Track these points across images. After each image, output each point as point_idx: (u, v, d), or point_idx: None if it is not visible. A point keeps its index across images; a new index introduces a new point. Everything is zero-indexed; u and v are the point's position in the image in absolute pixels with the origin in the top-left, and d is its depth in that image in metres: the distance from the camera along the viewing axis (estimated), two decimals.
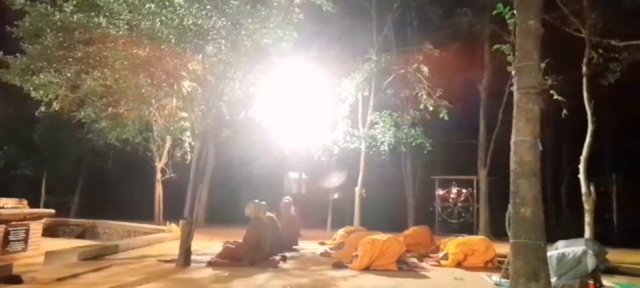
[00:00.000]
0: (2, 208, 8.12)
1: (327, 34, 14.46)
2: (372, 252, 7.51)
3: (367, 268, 7.43)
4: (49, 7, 7.78)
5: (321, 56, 13.07)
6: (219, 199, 19.57)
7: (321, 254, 9.37)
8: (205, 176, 17.04)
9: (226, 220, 17.34)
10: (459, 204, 17.96)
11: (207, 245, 10.08)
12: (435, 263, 8.43)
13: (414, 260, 8.51)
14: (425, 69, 13.69)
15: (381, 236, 8.02)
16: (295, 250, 10.03)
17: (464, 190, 18.02)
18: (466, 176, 17.84)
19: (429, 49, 13.81)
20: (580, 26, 10.78)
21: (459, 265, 8.15)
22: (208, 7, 7.52)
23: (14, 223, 7.99)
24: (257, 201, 8.43)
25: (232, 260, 7.60)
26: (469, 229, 16.50)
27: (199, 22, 7.55)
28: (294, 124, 12.58)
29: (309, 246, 10.72)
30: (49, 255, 7.31)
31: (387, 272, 7.29)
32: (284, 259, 8.23)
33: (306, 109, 12.42)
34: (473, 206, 17.53)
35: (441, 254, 8.64)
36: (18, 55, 8.48)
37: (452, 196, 18.13)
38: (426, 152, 14.70)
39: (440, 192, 18.33)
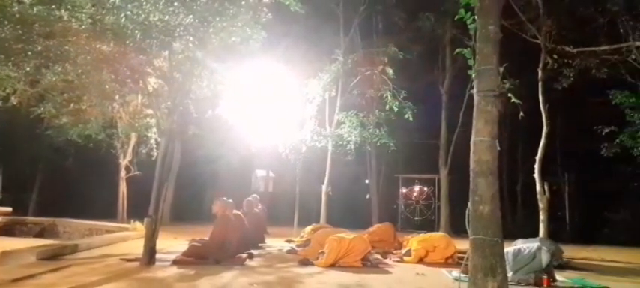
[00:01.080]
0: None
1: (295, 34, 14.54)
2: (339, 250, 7.66)
3: (333, 265, 7.58)
4: None
5: (288, 56, 13.15)
6: (185, 197, 19.31)
7: (288, 251, 9.45)
8: (171, 174, 16.82)
9: (192, 218, 17.15)
10: (421, 202, 18.48)
11: (173, 243, 9.97)
12: (398, 259, 8.67)
13: (378, 257, 8.73)
14: (390, 71, 13.98)
15: (347, 234, 8.18)
16: (261, 247, 10.06)
17: (426, 189, 18.53)
18: (428, 175, 18.36)
19: (393, 51, 14.12)
20: (536, 33, 11.31)
21: (420, 261, 8.41)
22: (175, 3, 7.44)
23: None
24: (224, 199, 8.42)
25: (198, 258, 7.57)
26: (431, 226, 17.01)
27: (166, 19, 7.45)
28: (261, 122, 12.59)
29: (275, 243, 10.77)
30: (5, 255, 7.07)
31: (352, 269, 7.45)
32: (250, 256, 8.27)
33: (273, 108, 12.46)
34: (434, 204, 18.06)
35: (403, 251, 8.89)
36: None
37: (414, 194, 18.63)
38: (390, 152, 15.02)
39: (403, 190, 18.78)
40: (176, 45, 7.89)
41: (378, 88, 14.38)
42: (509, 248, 6.87)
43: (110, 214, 14.67)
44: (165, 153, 7.96)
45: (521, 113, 7.62)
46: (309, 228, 11.22)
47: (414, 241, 8.74)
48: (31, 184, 19.68)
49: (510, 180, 20.39)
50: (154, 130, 12.24)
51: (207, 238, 8.04)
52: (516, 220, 19.85)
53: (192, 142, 15.91)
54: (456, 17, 5.38)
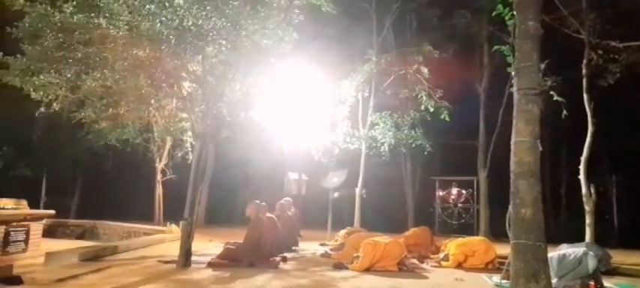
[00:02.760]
0: (2, 208, 8.12)
1: (327, 35, 14.47)
2: (374, 254, 7.51)
3: (368, 270, 7.44)
4: (48, 8, 7.78)
5: (320, 57, 13.08)
6: (219, 199, 19.57)
7: (322, 255, 9.37)
8: (205, 177, 17.06)
9: (226, 221, 17.35)
10: (459, 205, 17.99)
11: (207, 246, 10.08)
12: (436, 264, 8.44)
13: (414, 261, 8.52)
14: (424, 70, 13.71)
15: (382, 238, 8.02)
16: (295, 250, 10.03)
17: (464, 191, 18.04)
18: (466, 177, 17.87)
19: (428, 50, 13.83)
20: (579, 27, 10.80)
21: (459, 266, 8.14)
22: (208, 8, 7.53)
23: (14, 224, 7.99)
24: (257, 201, 8.44)
25: (232, 261, 7.59)
26: (469, 229, 16.53)
27: (199, 23, 7.55)
28: (293, 124, 12.58)
29: (309, 247, 10.72)
30: (49, 256, 7.31)
31: (387, 273, 7.29)
32: (284, 259, 8.24)
33: (305, 109, 12.42)
34: (473, 207, 17.55)
35: (441, 255, 8.64)
36: (18, 55, 8.48)
37: (452, 196, 18.16)
38: (425, 153, 14.72)
39: (440, 193, 18.35)
40: (209, 49, 7.97)
41: (412, 88, 14.13)
42: (554, 253, 6.55)
43: (147, 216, 15.02)
44: (200, 156, 8.04)
45: (565, 112, 7.26)
46: (343, 231, 11.10)
47: (452, 246, 8.48)
48: (73, 188, 20.45)
49: (554, 182, 19.60)
50: (189, 133, 12.42)
51: (241, 241, 8.06)
52: (560, 223, 19.05)
53: (226, 145, 16.08)
54: (493, 13, 5.18)
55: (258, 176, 19.31)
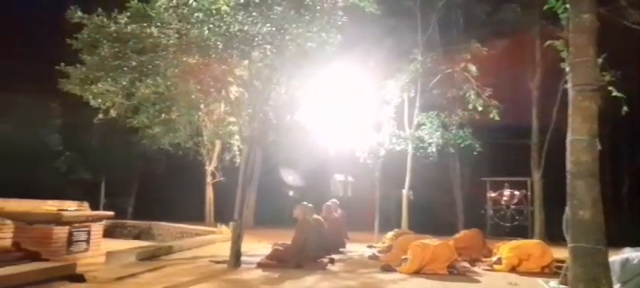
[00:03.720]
0: (65, 210, 8.62)
1: (371, 35, 14.36)
2: (423, 256, 7.38)
3: (417, 273, 7.31)
4: (104, 19, 8.21)
5: (364, 58, 13.01)
6: (267, 201, 19.89)
7: (369, 257, 9.32)
8: (253, 179, 17.41)
9: (274, 222, 17.59)
10: (512, 206, 17.32)
11: (256, 247, 10.26)
12: (488, 268, 8.17)
13: (465, 264, 8.29)
14: (472, 68, 13.33)
15: (431, 241, 7.87)
16: (342, 252, 10.02)
17: (517, 192, 17.36)
18: (519, 178, 17.20)
19: (476, 47, 13.43)
20: None
21: (513, 269, 7.84)
22: (254, 13, 7.69)
23: (77, 224, 8.46)
24: (305, 203, 8.51)
25: (280, 262, 7.70)
26: (523, 232, 15.88)
27: (245, 29, 7.72)
28: (338, 126, 12.58)
29: (356, 249, 10.68)
30: (109, 255, 7.69)
31: (437, 276, 7.14)
32: (332, 261, 8.25)
33: (350, 111, 12.39)
34: (527, 209, 16.86)
35: (493, 258, 8.35)
36: (77, 65, 9.02)
37: (504, 198, 17.50)
38: (475, 153, 14.30)
39: (491, 194, 17.75)
40: (255, 54, 8.14)
41: (459, 87, 13.77)
42: (616, 257, 6.17)
43: (198, 217, 15.49)
44: (247, 159, 8.21)
45: (625, 108, 6.83)
46: (390, 233, 10.98)
47: (505, 249, 8.18)
48: (129, 190, 21.46)
49: (615, 182, 18.48)
50: (237, 137, 12.74)
51: (289, 242, 8.16)
52: (622, 226, 17.91)
53: (272, 147, 16.35)
54: (545, 7, 4.97)
55: (304, 178, 19.47)
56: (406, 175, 13.97)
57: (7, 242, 8.07)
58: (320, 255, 8.12)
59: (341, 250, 10.17)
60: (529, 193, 16.70)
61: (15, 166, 18.81)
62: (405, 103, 13.94)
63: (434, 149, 13.67)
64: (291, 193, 19.45)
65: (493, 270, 8.01)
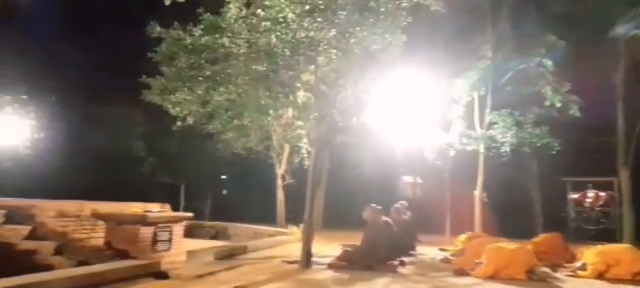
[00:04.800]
0: (150, 212, 9.26)
1: (437, 34, 14.03)
2: (498, 260, 7.08)
3: (492, 277, 7.04)
4: (180, 33, 8.76)
5: (431, 57, 12.75)
6: (335, 203, 20.04)
7: (441, 260, 9.10)
8: (321, 181, 17.65)
9: (342, 224, 17.68)
10: (597, 208, 16.08)
11: (326, 248, 10.37)
12: (571, 274, 7.66)
13: (546, 270, 7.83)
14: (548, 63, 12.59)
15: (507, 244, 7.53)
16: (413, 255, 9.87)
17: (602, 193, 16.09)
18: (604, 177, 15.94)
19: (552, 40, 12.66)
20: None
21: (600, 276, 7.29)
22: (319, 19, 7.84)
23: (160, 225, 9.04)
24: (374, 205, 8.50)
25: (351, 263, 7.74)
26: (610, 236, 14.68)
27: (311, 35, 7.90)
28: (406, 127, 12.42)
29: (427, 251, 10.47)
30: (190, 254, 8.17)
31: (514, 282, 6.83)
32: (402, 263, 8.16)
33: (418, 111, 12.19)
34: (614, 211, 15.57)
35: (577, 264, 7.82)
36: (157, 77, 9.70)
37: (588, 199, 16.27)
38: (553, 153, 13.46)
39: (573, 195, 16.59)
40: (321, 58, 8.29)
41: (534, 83, 13.05)
42: None
43: (269, 218, 15.96)
44: (316, 161, 8.36)
45: None
46: (463, 236, 10.64)
47: (591, 254, 7.63)
48: (205, 193, 22.60)
49: None
50: (305, 140, 12.99)
51: (358, 244, 8.19)
52: None
53: (340, 150, 16.47)
54: None
55: (372, 180, 19.39)
56: (478, 175, 13.47)
57: (100, 241, 8.83)
58: (390, 257, 8.07)
59: (411, 252, 10.02)
60: (616, 194, 15.41)
61: (105, 171, 20.55)
62: (475, 101, 13.46)
63: (507, 149, 13.06)
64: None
65: (577, 276, 7.50)
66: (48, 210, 8.44)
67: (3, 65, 17.28)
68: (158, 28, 8.84)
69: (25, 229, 7.80)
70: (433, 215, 15.28)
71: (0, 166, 15.89)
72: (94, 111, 21.44)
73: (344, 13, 7.78)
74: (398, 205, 10.70)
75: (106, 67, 22.62)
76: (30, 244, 7.51)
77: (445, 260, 9.03)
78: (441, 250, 10.62)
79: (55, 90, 18.90)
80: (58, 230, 8.28)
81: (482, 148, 13.29)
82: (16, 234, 7.62)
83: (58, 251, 7.57)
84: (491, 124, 13.40)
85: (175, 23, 8.87)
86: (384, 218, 8.81)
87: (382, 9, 7.95)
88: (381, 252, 7.90)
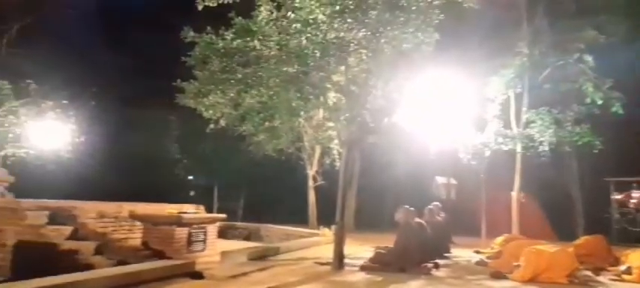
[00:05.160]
0: (185, 213, 9.47)
1: (471, 30, 13.72)
2: (538, 263, 6.84)
3: (531, 281, 6.80)
4: (213, 37, 8.90)
5: (465, 55, 12.48)
6: (366, 204, 19.95)
7: (477, 263, 8.88)
8: (353, 182, 17.56)
9: (375, 226, 17.56)
10: None
11: (358, 250, 10.32)
12: (615, 278, 7.33)
13: (588, 274, 7.52)
14: (588, 58, 12.10)
15: (547, 247, 7.27)
16: (447, 257, 9.68)
17: None
18: None
19: (592, 35, 12.16)
20: None
21: None
22: (349, 20, 7.79)
23: (195, 226, 9.24)
24: (406, 206, 8.38)
25: (383, 265, 7.66)
26: None
27: (341, 36, 7.86)
28: (439, 127, 12.20)
29: (462, 254, 10.26)
30: (224, 255, 8.29)
31: (554, 285, 6.58)
32: (436, 266, 8.00)
33: (451, 110, 11.95)
34: None
35: (622, 268, 7.47)
36: (191, 81, 9.88)
37: (633, 200, 15.54)
38: (595, 151, 12.93)
39: (616, 196, 15.89)
40: (351, 59, 8.24)
41: (574, 80, 12.57)
42: None
43: (301, 219, 16.03)
44: (347, 163, 8.32)
45: None
46: (500, 238, 10.37)
47: (636, 257, 7.28)
48: (238, 194, 22.94)
49: None
50: (336, 141, 12.97)
51: (391, 246, 8.09)
52: None
53: (371, 150, 16.36)
54: None
55: (404, 181, 19.17)
56: (515, 175, 13.09)
57: (137, 241, 9.09)
58: (424, 259, 7.93)
59: (445, 255, 9.83)
60: None
61: (142, 173, 21.16)
62: (511, 100, 13.09)
63: (546, 148, 12.63)
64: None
65: (622, 280, 7.17)
66: (88, 211, 8.76)
67: (45, 73, 18.07)
68: (192, 33, 9.00)
69: (67, 230, 8.11)
70: (468, 217, 14.96)
71: (43, 169, 16.59)
72: (130, 115, 22.16)
73: (374, 12, 7.71)
74: (431, 207, 10.52)
75: (142, 72, 23.35)
76: (72, 244, 7.81)
77: (481, 263, 8.81)
78: (477, 252, 10.39)
79: (94, 95, 19.61)
80: (98, 231, 8.57)
81: (519, 148, 12.91)
82: (59, 234, 7.93)
83: (98, 251, 7.84)
84: (528, 123, 13.00)
85: (208, 28, 9.01)
86: (417, 220, 8.68)
87: (414, 7, 7.83)
88: (415, 254, 7.77)
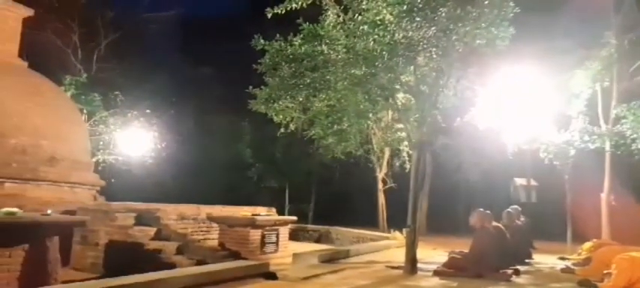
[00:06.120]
0: (258, 215, 9.76)
1: (551, 22, 12.89)
2: (632, 271, 6.23)
3: None
4: (282, 44, 9.10)
5: (544, 48, 11.73)
6: (440, 207, 19.42)
7: (562, 270, 8.31)
8: (424, 185, 17.17)
9: (448, 230, 17.03)
10: None
11: (431, 254, 10.06)
12: None
13: None
14: None
15: None
16: (528, 263, 9.15)
17: None
18: None
19: None
20: None
21: None
22: (417, 19, 7.62)
23: (268, 228, 9.50)
24: (482, 210, 8.03)
25: (458, 271, 7.38)
26: None
27: (410, 35, 7.71)
28: (516, 125, 11.57)
29: (545, 260, 9.66)
30: (296, 257, 8.44)
31: None
32: (516, 272, 7.58)
33: (530, 108, 11.28)
34: None
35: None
36: (262, 87, 10.19)
37: None
38: None
39: None
40: (420, 58, 8.06)
41: None
42: None
43: (370, 222, 15.94)
44: (418, 164, 8.13)
45: None
46: (588, 244, 9.62)
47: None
48: (308, 196, 23.30)
49: None
50: (405, 143, 12.76)
51: (466, 251, 7.78)
52: None
53: (443, 152, 15.90)
54: None
55: (479, 182, 18.43)
56: (604, 176, 12.07)
57: (214, 242, 9.51)
58: (502, 265, 7.54)
59: (526, 261, 9.30)
60: None
61: (218, 177, 22.17)
62: (598, 94, 12.10)
63: (639, 146, 11.51)
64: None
65: None
66: (170, 213, 9.32)
67: (130, 84, 19.56)
68: (262, 41, 9.26)
69: (152, 231, 8.68)
70: (551, 221, 14.04)
71: (129, 174, 17.94)
72: (206, 121, 23.34)
73: (444, 10, 7.48)
74: (510, 210, 9.99)
75: (216, 81, 24.49)
76: (156, 244, 8.34)
77: (567, 270, 8.23)
78: (562, 259, 9.73)
79: (173, 104, 20.89)
80: (179, 231, 9.08)
81: (608, 146, 11.89)
82: (145, 234, 8.51)
83: (179, 251, 8.31)
84: (618, 119, 11.92)
85: (277, 35, 9.23)
86: (495, 224, 8.27)
87: (486, 1, 7.50)
88: (493, 260, 7.40)
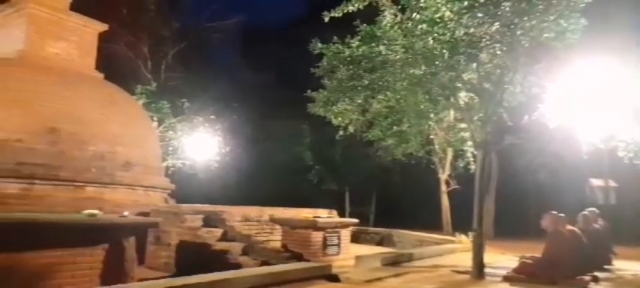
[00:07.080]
0: (319, 217, 9.84)
1: (627, 10, 11.94)
2: None
3: None
4: (339, 46, 9.12)
5: (622, 39, 10.88)
6: (507, 210, 18.58)
7: None
8: (490, 186, 16.50)
9: (516, 233, 16.26)
10: None
11: (500, 259, 9.64)
12: None
13: None
14: None
15: None
16: (608, 270, 8.51)
17: None
18: None
19: None
20: None
21: None
22: (479, 14, 7.34)
23: (329, 230, 9.56)
24: (555, 212, 7.57)
25: (530, 276, 7.00)
26: None
27: (471, 32, 7.44)
28: (592, 123, 10.81)
29: (627, 266, 8.95)
30: (358, 259, 8.40)
31: None
32: (595, 279, 7.08)
33: (607, 104, 10.49)
34: None
35: None
36: (320, 90, 10.27)
37: None
38: None
39: None
40: (483, 55, 7.75)
41: None
42: None
43: (434, 225, 15.54)
44: (483, 165, 7.82)
45: None
46: None
47: None
48: (369, 199, 23.19)
49: None
50: (469, 143, 12.34)
51: (538, 256, 7.37)
52: None
53: (510, 152, 15.19)
54: None
55: (550, 184, 17.43)
56: None
57: (277, 243, 9.71)
58: (579, 271, 7.06)
59: (606, 267, 8.65)
60: None
61: (279, 180, 22.63)
62: None
63: None
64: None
65: None
66: (235, 215, 9.64)
67: (196, 91, 20.46)
68: (319, 45, 9.33)
69: (218, 232, 9.02)
70: (633, 224, 12.98)
71: (195, 178, 18.76)
72: (267, 125, 23.92)
73: (508, 3, 7.15)
74: (587, 213, 9.34)
75: (276, 85, 25.05)
76: (222, 245, 8.66)
77: None
78: None
79: (235, 109, 21.61)
80: (244, 233, 9.37)
81: None
82: (212, 236, 8.86)
83: (244, 251, 8.57)
84: None
85: (335, 38, 9.26)
86: (569, 227, 7.77)
87: None
88: (568, 265, 6.95)
